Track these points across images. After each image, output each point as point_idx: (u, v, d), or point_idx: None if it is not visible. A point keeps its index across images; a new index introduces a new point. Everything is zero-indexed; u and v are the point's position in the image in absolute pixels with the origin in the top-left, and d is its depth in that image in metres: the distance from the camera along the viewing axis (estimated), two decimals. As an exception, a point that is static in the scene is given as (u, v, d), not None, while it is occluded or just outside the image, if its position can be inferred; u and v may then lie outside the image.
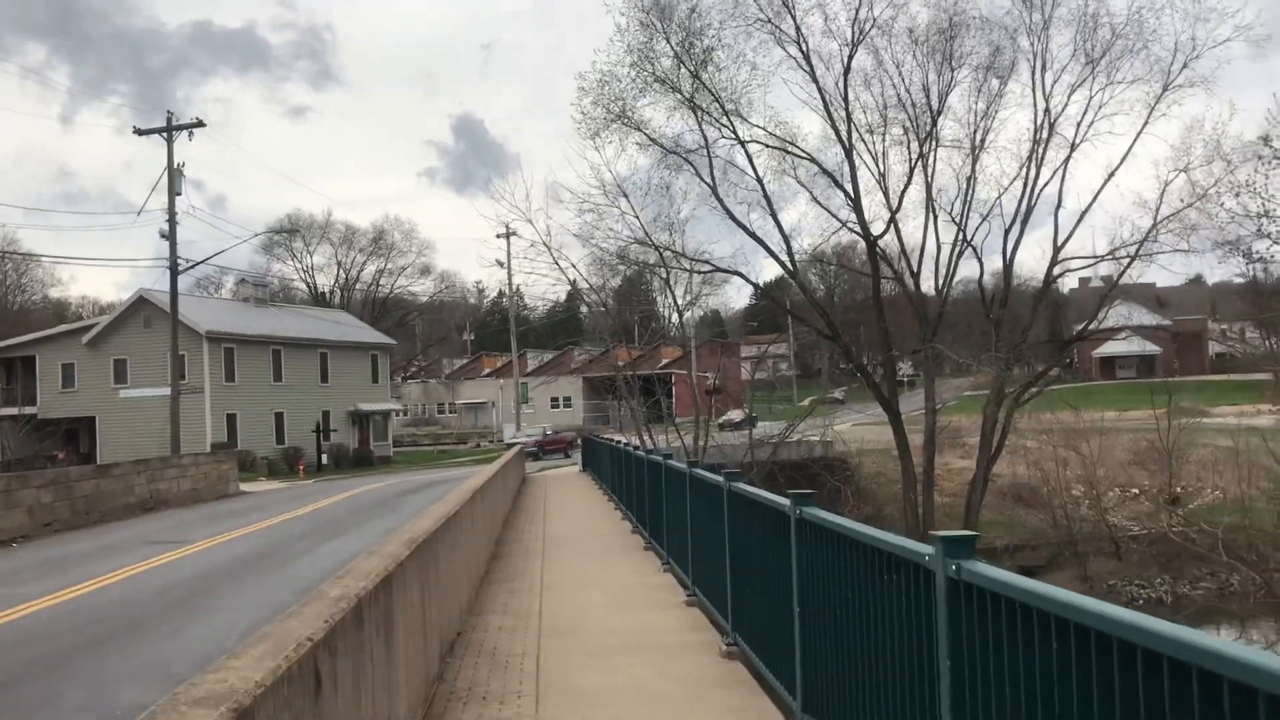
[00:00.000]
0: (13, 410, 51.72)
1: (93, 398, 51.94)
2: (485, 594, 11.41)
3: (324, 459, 55.35)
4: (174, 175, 39.72)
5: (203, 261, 40.20)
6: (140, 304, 51.11)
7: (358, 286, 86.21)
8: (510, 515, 21.30)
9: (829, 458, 39.90)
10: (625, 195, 34.53)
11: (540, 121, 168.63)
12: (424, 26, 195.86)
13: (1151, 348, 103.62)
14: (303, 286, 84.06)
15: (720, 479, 8.35)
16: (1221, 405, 61.52)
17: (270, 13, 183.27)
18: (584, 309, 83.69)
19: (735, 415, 59.47)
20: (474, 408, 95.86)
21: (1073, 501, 42.15)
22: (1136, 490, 46.45)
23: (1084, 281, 73.56)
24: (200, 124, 40.36)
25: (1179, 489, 45.60)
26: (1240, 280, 53.63)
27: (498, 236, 54.90)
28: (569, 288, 48.97)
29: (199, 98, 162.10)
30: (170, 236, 39.48)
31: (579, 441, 43.77)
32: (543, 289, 68.31)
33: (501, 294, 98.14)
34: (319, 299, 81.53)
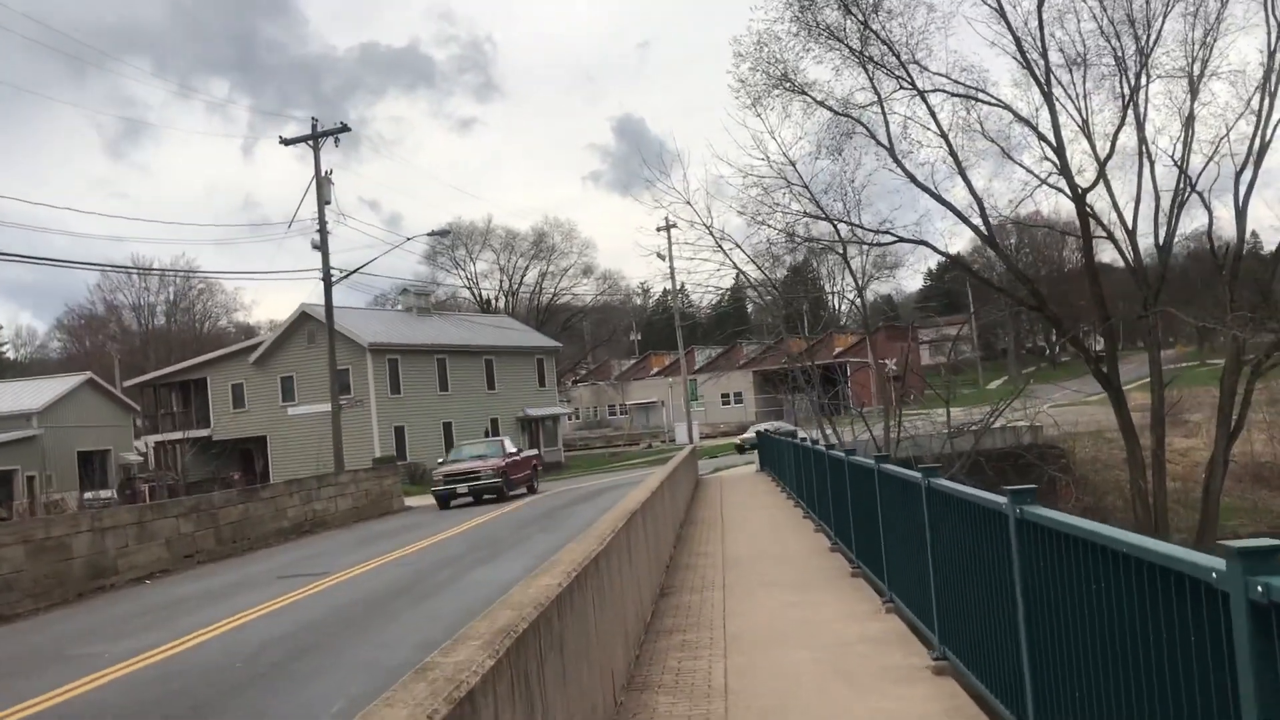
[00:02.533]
0: (186, 434, 52.13)
1: (263, 417, 51.87)
2: (649, 653, 8.52)
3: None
4: (322, 184, 38.54)
5: (355, 271, 38.98)
6: (303, 320, 50.69)
7: (521, 291, 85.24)
8: (683, 529, 18.44)
9: (1039, 445, 35.53)
10: (792, 164, 31.23)
11: (700, 116, 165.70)
12: (581, 28, 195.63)
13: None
14: (468, 295, 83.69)
15: (1002, 501, 5.28)
16: None
17: (433, 28, 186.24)
18: (750, 301, 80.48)
19: (779, 424, 56.40)
20: (644, 408, 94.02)
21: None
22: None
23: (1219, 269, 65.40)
24: (345, 129, 39.11)
25: None
26: None
27: (658, 230, 52.18)
28: (734, 277, 45.88)
29: (372, 117, 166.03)
30: (322, 246, 38.30)
31: (538, 466, 37.91)
32: (705, 275, 65.34)
33: (666, 292, 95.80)
34: (484, 306, 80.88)
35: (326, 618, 12.34)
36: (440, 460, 37.55)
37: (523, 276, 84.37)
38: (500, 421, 56.70)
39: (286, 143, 39.79)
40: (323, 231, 38.48)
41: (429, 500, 42.13)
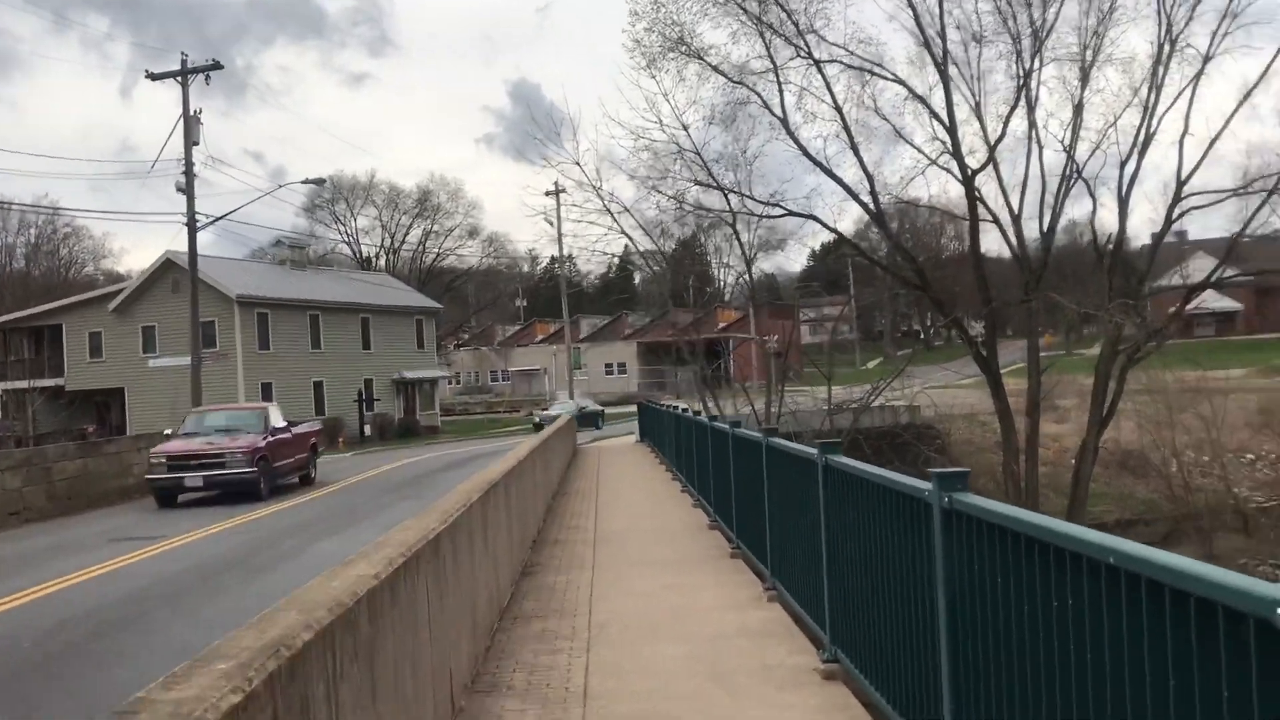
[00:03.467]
0: (32, 383, 48.94)
1: (121, 368, 49.03)
2: (503, 645, 7.52)
3: (367, 430, 52.11)
4: (190, 123, 36.21)
5: (222, 217, 36.79)
6: (167, 267, 47.93)
7: (404, 250, 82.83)
8: (555, 501, 17.47)
9: (916, 425, 35.56)
10: (685, 128, 30.32)
11: (596, 84, 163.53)
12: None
13: (1230, 304, 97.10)
14: (348, 251, 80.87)
15: (925, 486, 4.42)
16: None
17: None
18: (638, 273, 79.72)
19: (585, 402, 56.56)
20: (527, 375, 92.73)
21: (1187, 469, 37.51)
22: (1252, 456, 41.67)
23: (1155, 238, 67.43)
24: (217, 66, 36.77)
25: (1302, 455, 40.85)
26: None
27: (546, 194, 50.86)
28: (623, 246, 44.90)
29: (259, 65, 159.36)
30: (187, 189, 36.03)
31: (317, 446, 27.25)
32: (592, 239, 63.96)
33: (554, 259, 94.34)
34: (364, 264, 78.28)
35: (149, 589, 11.02)
36: (168, 431, 27.05)
37: (405, 235, 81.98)
38: (375, 383, 54.83)
39: (153, 78, 37.32)
40: (189, 174, 36.20)
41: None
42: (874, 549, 5.38)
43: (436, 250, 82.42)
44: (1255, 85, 29.35)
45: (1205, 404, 38.45)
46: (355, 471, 29.40)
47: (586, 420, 49.04)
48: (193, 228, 36.20)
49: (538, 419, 50.39)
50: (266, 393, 48.02)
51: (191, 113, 36.40)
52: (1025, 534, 3.43)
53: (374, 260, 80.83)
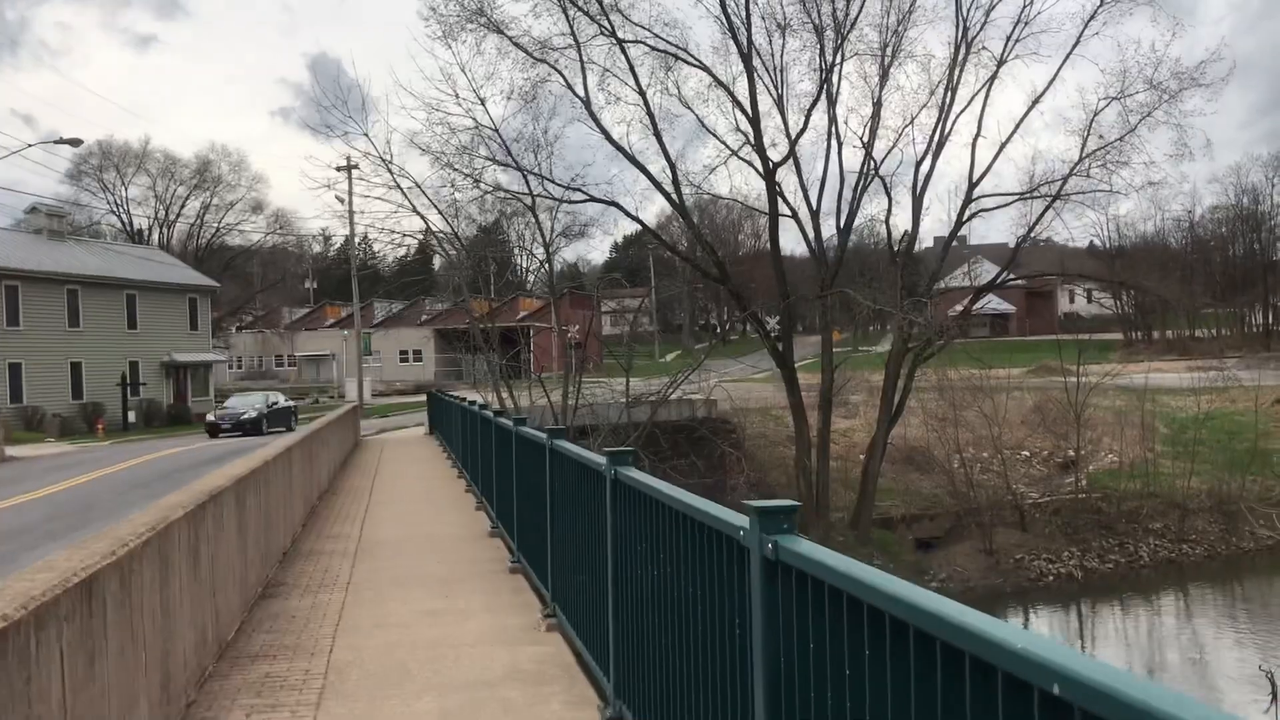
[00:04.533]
0: None
1: None
2: (211, 699, 5.99)
3: (131, 416, 48.01)
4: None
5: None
6: (-106, 231, 42.73)
7: (181, 223, 77.33)
8: (323, 502, 15.74)
9: (713, 419, 35.19)
10: (482, 102, 28.75)
11: (400, 65, 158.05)
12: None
13: (1004, 306, 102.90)
14: (117, 222, 74.89)
15: (739, 524, 3.24)
16: (1081, 365, 59.37)
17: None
18: (437, 258, 77.02)
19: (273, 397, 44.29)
20: (315, 360, 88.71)
21: (968, 466, 38.60)
22: (1028, 453, 43.40)
23: (938, 240, 70.29)
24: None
25: (1071, 452, 42.79)
26: (1093, 241, 50.15)
27: (338, 170, 48.02)
28: (418, 227, 42.81)
29: (34, 19, 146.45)
30: (-84, 144, 31.92)
31: None
32: (383, 214, 61.24)
33: (347, 240, 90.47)
34: (134, 237, 72.62)
35: None
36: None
37: (182, 207, 76.46)
38: (141, 366, 50.65)
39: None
40: (-83, 125, 32.08)
41: (49, 449, 36.57)
42: (673, 588, 4.21)
43: (216, 225, 77.32)
44: (1043, 92, 30.27)
45: (986, 402, 39.68)
46: (107, 463, 26.44)
47: (277, 419, 40.07)
48: (-78, 187, 32.08)
49: (212, 417, 40.63)
50: (15, 373, 43.58)
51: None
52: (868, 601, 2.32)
53: (146, 233, 75.18)
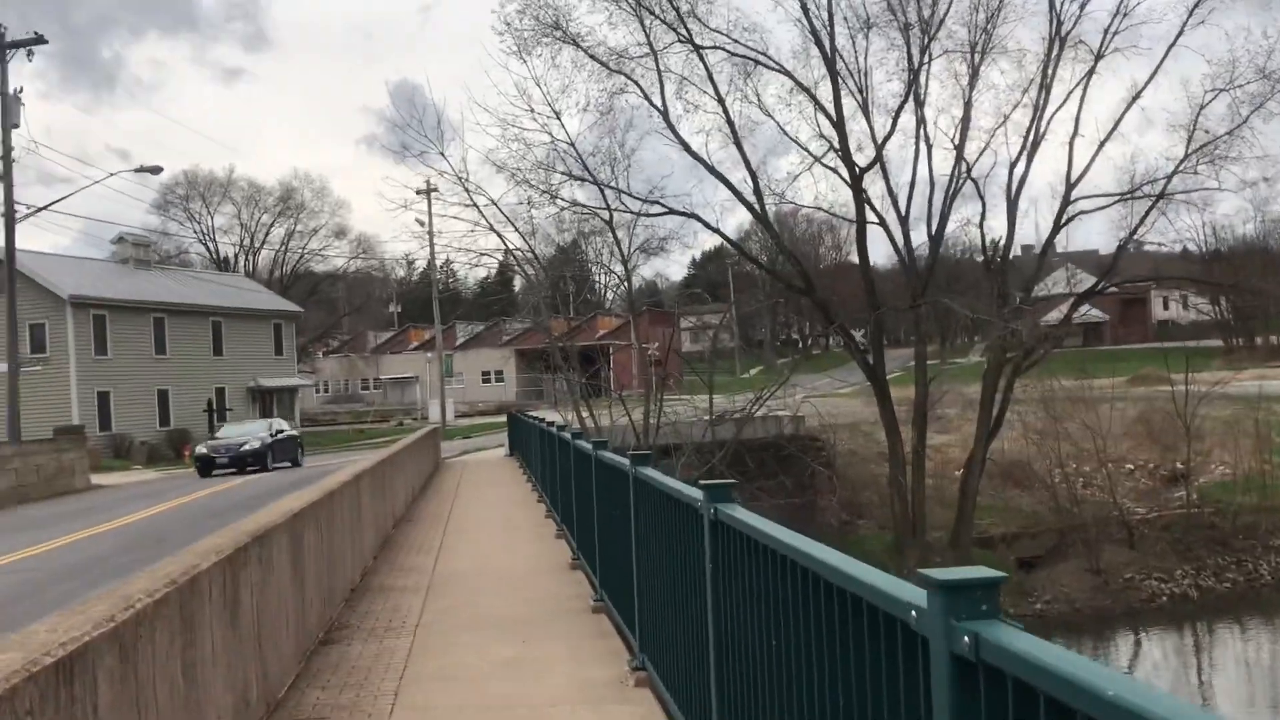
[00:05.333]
0: None
1: (-63, 374, 44.37)
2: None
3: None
4: (9, 104, 32.60)
5: (45, 208, 33.31)
6: (-11, 265, 43.54)
7: (264, 251, 78.35)
8: (398, 531, 15.03)
9: (800, 435, 33.99)
10: (557, 115, 28.11)
11: (477, 87, 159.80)
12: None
13: (1096, 314, 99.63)
14: (204, 251, 76.14)
15: (909, 599, 2.24)
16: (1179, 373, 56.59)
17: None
18: (517, 274, 76.85)
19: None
20: (399, 383, 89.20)
21: (1069, 480, 36.73)
22: (1131, 466, 41.29)
23: (1026, 249, 67.80)
24: (41, 40, 33.21)
25: (1179, 464, 40.61)
26: (1186, 246, 47.73)
27: (418, 193, 48.01)
28: (495, 245, 42.35)
29: (130, 58, 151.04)
30: (5, 176, 32.38)
31: None
32: (459, 234, 60.67)
33: (429, 264, 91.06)
34: (221, 265, 73.74)
35: None
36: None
37: (266, 234, 77.47)
38: (228, 392, 51.07)
39: (-37, 51, 33.46)
40: (6, 159, 32.64)
41: (135, 477, 36.74)
42: (803, 667, 3.25)
43: (300, 251, 78.19)
44: (1144, 86, 28.63)
45: (1088, 413, 37.83)
46: (187, 491, 26.21)
47: (282, 451, 34.87)
48: (10, 218, 32.54)
49: (205, 450, 34.41)
50: (103, 402, 44.10)
51: (10, 92, 32.81)
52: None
53: (233, 261, 76.30)
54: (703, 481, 4.38)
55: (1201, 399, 36.60)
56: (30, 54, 33.44)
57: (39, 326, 42.75)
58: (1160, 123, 62.47)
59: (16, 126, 32.98)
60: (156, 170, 33.90)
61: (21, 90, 33.28)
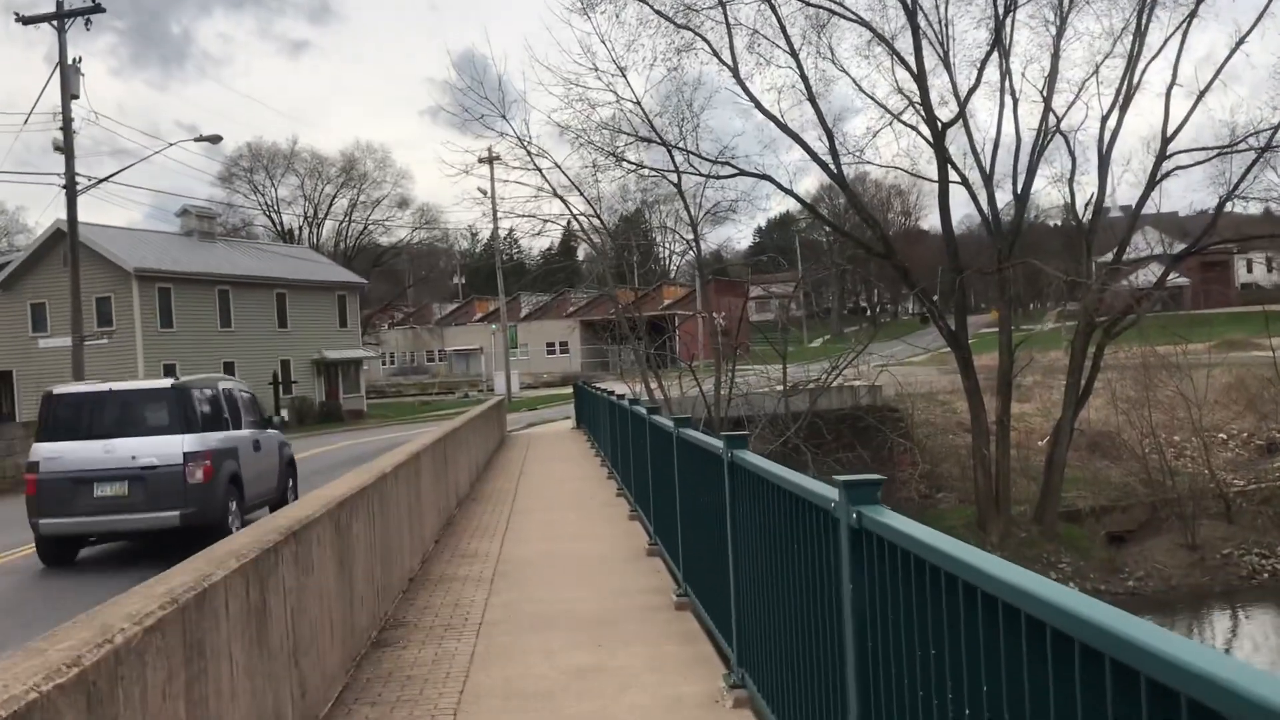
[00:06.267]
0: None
1: (8, 348, 44.72)
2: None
3: (284, 414, 48.19)
4: (67, 74, 32.23)
5: (106, 179, 32.73)
6: (58, 238, 43.47)
7: (328, 223, 78.22)
8: (461, 510, 14.19)
9: (877, 406, 32.68)
10: (623, 72, 27.00)
11: (539, 39, 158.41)
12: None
13: (1177, 278, 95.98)
14: (267, 223, 76.17)
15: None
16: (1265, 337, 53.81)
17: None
18: (580, 242, 75.77)
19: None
20: (464, 355, 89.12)
21: (1160, 451, 34.99)
22: (1224, 436, 39.35)
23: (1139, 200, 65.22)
24: (99, 8, 32.71)
25: (1277, 433, 38.63)
26: (1269, 207, 44.91)
27: (480, 160, 47.22)
28: (559, 212, 41.46)
29: (199, 33, 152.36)
30: (66, 147, 32.09)
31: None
32: (524, 197, 59.50)
33: (492, 234, 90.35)
34: (284, 236, 73.78)
35: None
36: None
37: (330, 206, 77.34)
38: (293, 364, 50.95)
39: (25, 21, 33.23)
40: (67, 130, 32.30)
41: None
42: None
43: (364, 223, 77.95)
44: (1250, 30, 26.66)
45: (1182, 380, 36.02)
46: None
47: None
48: (72, 189, 32.23)
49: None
50: (170, 374, 44.11)
51: (70, 61, 32.48)
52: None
53: (297, 232, 76.31)
54: (839, 477, 3.39)
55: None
56: (88, 23, 33.00)
57: (105, 300, 42.81)
58: (1264, 69, 59.07)
59: (76, 97, 32.58)
60: (216, 140, 33.38)
61: (80, 60, 32.88)
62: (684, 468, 7.37)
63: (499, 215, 45.68)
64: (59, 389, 13.16)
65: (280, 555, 5.00)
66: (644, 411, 10.26)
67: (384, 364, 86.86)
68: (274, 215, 76.23)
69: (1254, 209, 39.57)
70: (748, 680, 5.46)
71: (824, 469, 23.27)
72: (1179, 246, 36.67)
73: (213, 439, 12.85)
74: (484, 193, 47.76)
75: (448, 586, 9.01)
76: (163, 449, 12.27)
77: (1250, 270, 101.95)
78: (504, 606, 8.10)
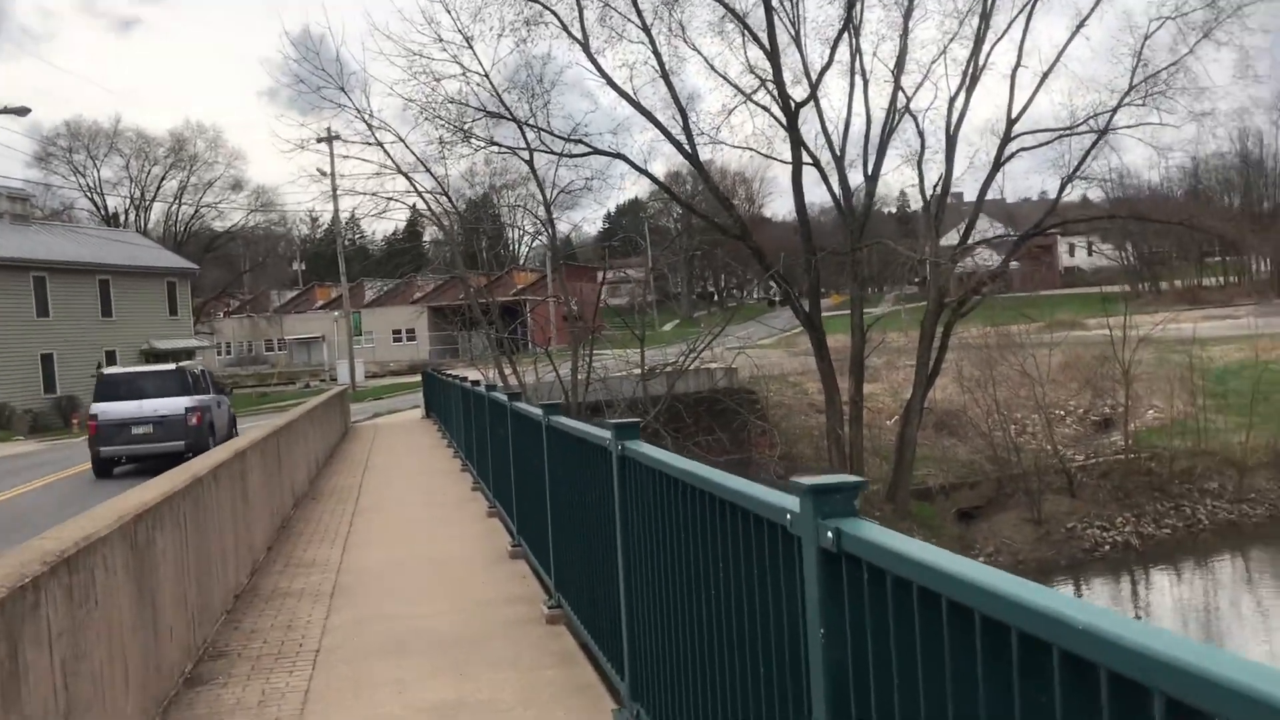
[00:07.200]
0: None
1: None
2: None
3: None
4: None
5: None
6: None
7: (157, 206, 73.83)
8: (298, 511, 12.88)
9: (734, 388, 32.34)
10: (469, 43, 25.70)
11: (382, 14, 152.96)
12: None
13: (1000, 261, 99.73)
14: (90, 206, 71.43)
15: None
16: (1091, 318, 56.11)
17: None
18: (427, 233, 73.91)
19: None
20: (305, 344, 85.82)
21: (1005, 428, 35.77)
22: (1062, 412, 40.59)
23: (984, 181, 67.02)
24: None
25: (1108, 409, 40.02)
26: (1085, 195, 46.98)
27: (319, 140, 44.91)
28: (406, 193, 39.69)
29: (15, 8, 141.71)
30: None
31: None
32: (366, 174, 56.72)
33: (333, 217, 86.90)
34: (109, 220, 69.30)
35: None
36: None
37: (158, 188, 72.95)
38: (119, 355, 47.65)
39: None
40: None
41: (16, 449, 33.62)
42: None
43: (195, 206, 73.87)
44: (1089, 13, 27.18)
45: (1026, 359, 36.91)
46: (58, 468, 23.48)
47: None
48: None
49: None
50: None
51: None
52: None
53: (124, 216, 71.80)
54: (811, 480, 2.51)
55: (1140, 342, 35.84)
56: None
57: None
58: (1105, 55, 61.63)
59: None
60: (23, 112, 30.49)
61: None
62: (556, 461, 6.42)
63: (339, 194, 43.59)
64: (107, 371, 23.04)
65: (43, 593, 3.84)
66: (504, 398, 9.24)
67: (220, 354, 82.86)
68: (96, 198, 71.56)
69: (1077, 195, 40.84)
70: (643, 716, 4.56)
71: (685, 452, 22.71)
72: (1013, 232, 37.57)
73: (199, 399, 20.44)
74: (323, 172, 45.43)
75: (280, 603, 7.83)
76: (173, 405, 19.67)
77: (1072, 254, 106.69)
78: (346, 627, 7.00)
